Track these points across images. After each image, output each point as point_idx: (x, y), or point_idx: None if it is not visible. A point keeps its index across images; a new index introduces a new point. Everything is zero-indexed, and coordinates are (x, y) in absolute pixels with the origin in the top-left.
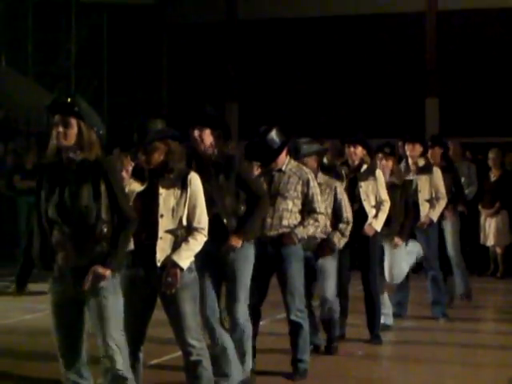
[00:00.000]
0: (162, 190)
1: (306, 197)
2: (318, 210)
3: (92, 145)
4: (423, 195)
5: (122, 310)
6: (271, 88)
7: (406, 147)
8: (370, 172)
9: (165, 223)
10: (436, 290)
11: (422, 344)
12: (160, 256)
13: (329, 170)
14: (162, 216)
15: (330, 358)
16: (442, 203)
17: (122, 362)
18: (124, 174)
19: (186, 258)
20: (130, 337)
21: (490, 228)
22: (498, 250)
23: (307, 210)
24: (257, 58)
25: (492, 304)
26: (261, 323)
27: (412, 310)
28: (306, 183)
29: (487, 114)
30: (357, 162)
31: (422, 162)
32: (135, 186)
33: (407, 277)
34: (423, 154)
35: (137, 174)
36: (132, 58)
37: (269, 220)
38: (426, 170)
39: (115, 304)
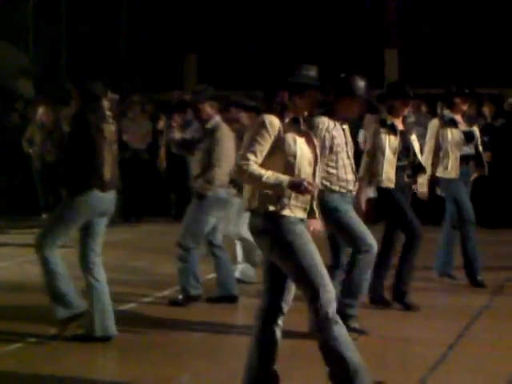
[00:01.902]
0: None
1: None
2: None
3: None
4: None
5: None
6: (231, 39)
7: (460, 99)
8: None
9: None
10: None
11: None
12: None
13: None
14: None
15: None
16: None
17: None
18: None
19: None
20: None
21: None
22: None
23: None
24: (215, 7)
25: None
26: None
27: None
28: None
29: (447, 64)
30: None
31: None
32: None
33: None
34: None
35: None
36: (91, 9)
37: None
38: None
39: None
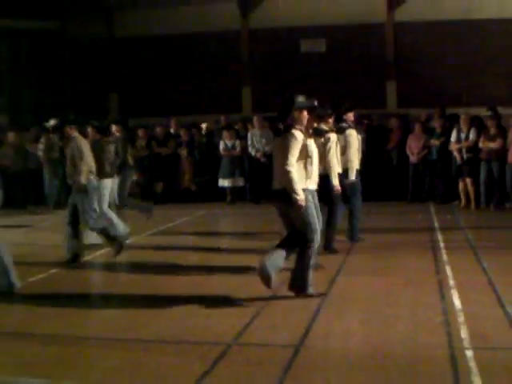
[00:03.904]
0: None
1: None
2: None
3: None
4: None
5: None
6: (145, 80)
7: (349, 114)
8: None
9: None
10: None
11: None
12: None
13: None
14: None
15: None
16: None
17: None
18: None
19: None
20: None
21: None
22: None
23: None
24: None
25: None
26: None
27: None
28: None
29: None
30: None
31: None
32: (312, 142)
33: None
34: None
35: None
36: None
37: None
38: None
39: None
